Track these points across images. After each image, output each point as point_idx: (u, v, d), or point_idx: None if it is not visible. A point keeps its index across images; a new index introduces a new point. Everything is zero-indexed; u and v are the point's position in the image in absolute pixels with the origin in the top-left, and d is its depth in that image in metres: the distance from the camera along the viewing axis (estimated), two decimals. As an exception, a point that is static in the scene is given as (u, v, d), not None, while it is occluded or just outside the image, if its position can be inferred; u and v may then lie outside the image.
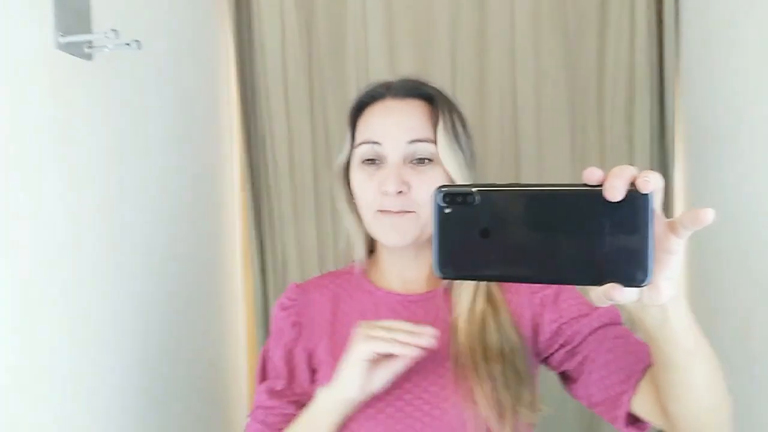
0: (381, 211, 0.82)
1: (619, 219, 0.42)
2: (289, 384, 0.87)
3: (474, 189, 0.46)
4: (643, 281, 0.43)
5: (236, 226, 1.67)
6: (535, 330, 0.84)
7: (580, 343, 0.79)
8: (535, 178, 1.59)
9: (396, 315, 0.86)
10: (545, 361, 0.85)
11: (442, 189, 0.47)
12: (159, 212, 1.21)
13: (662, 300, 0.47)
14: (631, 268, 0.43)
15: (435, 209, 0.46)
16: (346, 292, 0.92)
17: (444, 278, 0.48)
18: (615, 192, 0.42)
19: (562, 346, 0.81)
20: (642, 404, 0.72)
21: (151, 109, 1.19)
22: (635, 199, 0.42)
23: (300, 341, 0.88)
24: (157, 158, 1.21)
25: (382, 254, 0.91)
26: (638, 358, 0.74)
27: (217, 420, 1.47)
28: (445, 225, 0.46)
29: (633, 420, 0.74)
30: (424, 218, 0.81)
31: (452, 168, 0.82)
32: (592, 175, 0.43)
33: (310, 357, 0.87)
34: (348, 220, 0.91)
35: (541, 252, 0.44)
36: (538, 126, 1.59)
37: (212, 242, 1.52)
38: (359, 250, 0.92)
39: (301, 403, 0.84)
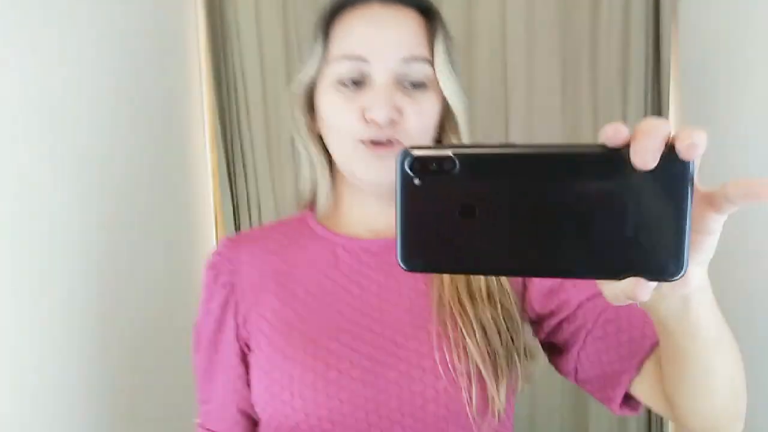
0: (363, 141, 0.66)
1: (648, 193, 0.33)
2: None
3: (452, 151, 0.34)
4: (675, 274, 0.33)
5: (207, 174, 1.57)
6: (525, 284, 0.72)
7: (576, 309, 0.67)
8: (524, 116, 1.53)
9: (360, 264, 0.72)
10: (533, 328, 0.73)
11: (410, 152, 0.35)
12: (127, 165, 1.12)
13: (689, 289, 0.38)
14: (661, 258, 0.33)
15: (400, 179, 0.35)
16: (295, 242, 0.76)
17: (410, 271, 0.36)
18: (646, 157, 0.32)
19: (552, 312, 0.69)
20: (643, 387, 0.62)
21: (113, 39, 1.10)
22: (671, 167, 0.32)
23: (230, 305, 0.74)
24: (121, 94, 1.12)
25: (345, 198, 0.76)
26: (644, 333, 0.63)
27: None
28: (414, 201, 0.35)
29: (626, 399, 0.65)
30: None
31: (452, 94, 0.68)
32: (614, 134, 0.32)
33: (243, 322, 0.73)
34: (311, 153, 0.75)
35: (542, 237, 0.34)
36: (529, 62, 1.52)
37: (181, 195, 1.43)
38: (323, 189, 0.76)
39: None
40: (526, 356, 0.68)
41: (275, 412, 0.66)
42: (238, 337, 0.73)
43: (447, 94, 0.68)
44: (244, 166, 1.56)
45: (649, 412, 1.58)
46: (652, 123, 0.32)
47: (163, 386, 1.24)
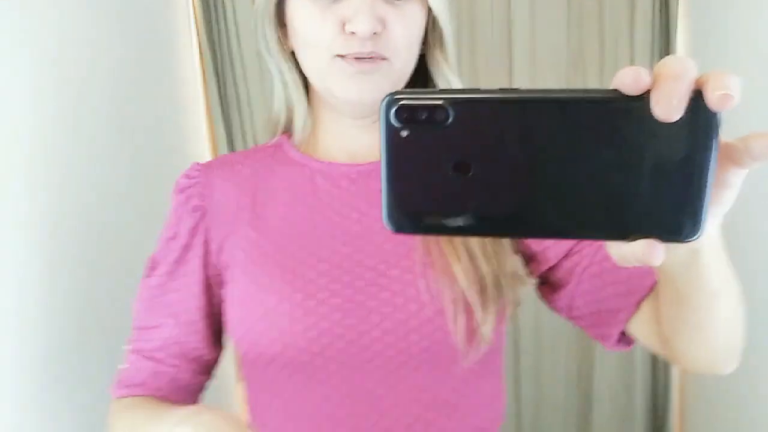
0: (342, 55, 0.60)
1: (667, 147, 0.29)
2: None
3: (445, 99, 0.30)
4: (691, 235, 0.30)
5: (199, 101, 1.54)
6: None
7: (573, 245, 0.65)
8: (528, 36, 1.48)
9: (339, 190, 0.67)
10: (526, 263, 0.70)
11: (396, 98, 0.31)
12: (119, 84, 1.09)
13: (701, 243, 0.35)
14: (677, 218, 0.30)
15: (384, 130, 0.31)
16: (270, 169, 0.70)
17: (397, 232, 0.33)
18: (670, 107, 0.27)
19: (547, 249, 0.66)
20: (639, 325, 0.61)
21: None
22: (696, 117, 0.28)
23: (200, 232, 0.68)
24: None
25: (322, 120, 0.70)
26: (645, 271, 0.59)
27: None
28: (401, 155, 0.31)
29: (620, 335, 0.64)
30: (398, 68, 0.63)
31: (438, 4, 0.62)
32: (634, 82, 0.28)
33: (218, 252, 0.67)
34: (284, 72, 0.68)
35: (545, 195, 0.31)
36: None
37: (172, 121, 1.40)
38: (299, 112, 0.69)
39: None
40: (515, 281, 0.65)
41: (252, 344, 0.63)
42: (206, 266, 0.68)
43: (433, 3, 0.62)
44: (237, 92, 1.53)
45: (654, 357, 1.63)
46: (677, 65, 0.27)
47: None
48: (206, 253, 0.67)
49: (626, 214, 0.30)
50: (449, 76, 0.66)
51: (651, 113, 0.28)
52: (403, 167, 0.32)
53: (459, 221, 0.32)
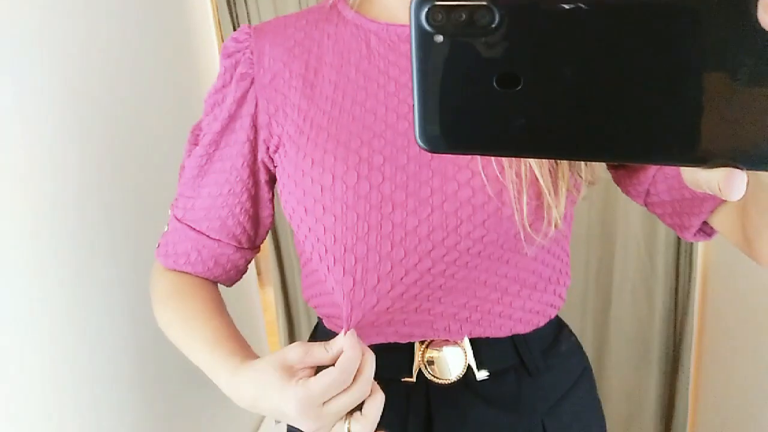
0: None
1: (764, 63, 0.23)
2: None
3: None
4: None
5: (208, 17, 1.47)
6: None
7: None
8: None
9: (397, 55, 0.60)
10: None
11: None
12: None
13: None
14: (765, 143, 0.25)
15: (415, 35, 0.26)
16: (323, 31, 0.63)
17: (431, 152, 0.28)
18: None
19: None
20: (725, 218, 0.57)
21: None
22: None
23: (248, 102, 0.62)
24: None
25: None
26: None
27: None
28: (435, 64, 0.26)
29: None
30: None
31: None
32: None
33: (267, 125, 0.62)
34: None
35: (611, 112, 0.25)
36: None
37: (181, 22, 1.33)
38: None
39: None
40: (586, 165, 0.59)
41: (304, 225, 0.59)
42: (253, 141, 0.63)
43: None
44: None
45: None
46: None
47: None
48: (254, 126, 0.63)
49: (707, 137, 0.25)
50: None
51: (754, 19, 0.22)
52: (437, 78, 0.26)
53: (503, 141, 0.27)
